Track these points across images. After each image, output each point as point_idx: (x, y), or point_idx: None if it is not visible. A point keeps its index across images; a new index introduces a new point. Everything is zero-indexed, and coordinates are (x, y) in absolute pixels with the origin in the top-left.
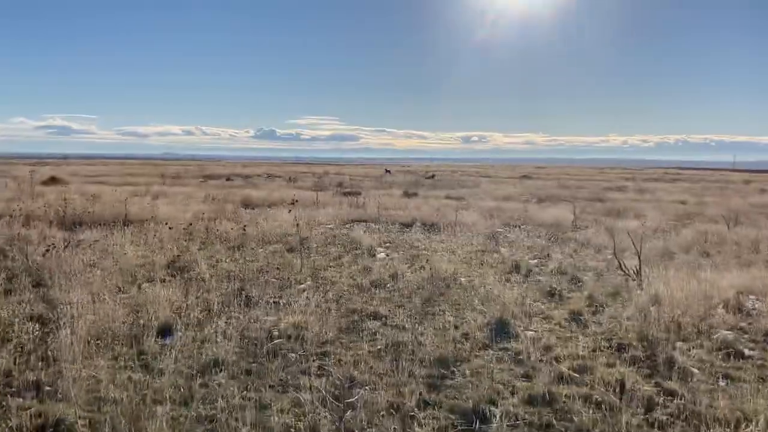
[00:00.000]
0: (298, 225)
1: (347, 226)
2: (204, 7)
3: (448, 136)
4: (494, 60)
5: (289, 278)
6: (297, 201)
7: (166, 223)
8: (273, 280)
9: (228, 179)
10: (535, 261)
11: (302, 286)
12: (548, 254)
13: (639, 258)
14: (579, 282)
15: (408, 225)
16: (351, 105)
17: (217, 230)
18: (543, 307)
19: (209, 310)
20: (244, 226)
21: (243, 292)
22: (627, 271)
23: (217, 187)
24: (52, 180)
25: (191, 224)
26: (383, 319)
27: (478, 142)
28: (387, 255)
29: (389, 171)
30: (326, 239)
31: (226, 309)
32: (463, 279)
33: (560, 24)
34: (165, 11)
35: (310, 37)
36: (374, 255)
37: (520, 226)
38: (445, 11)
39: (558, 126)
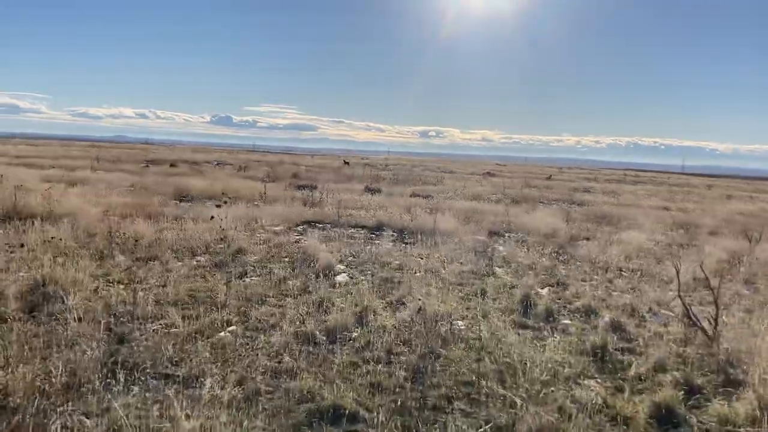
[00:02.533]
0: (223, 238)
1: (299, 229)
2: None
3: (406, 130)
4: (454, 57)
5: (204, 319)
6: (229, 199)
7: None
8: (176, 327)
9: (172, 165)
10: (548, 291)
11: (222, 334)
12: (561, 280)
13: (716, 302)
14: (625, 332)
15: (374, 230)
16: (310, 95)
17: (125, 234)
18: (601, 390)
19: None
20: (162, 228)
21: (119, 354)
22: (697, 322)
23: (155, 174)
24: None
25: (97, 223)
26: (347, 421)
27: (435, 137)
28: (351, 278)
29: (348, 162)
30: (269, 250)
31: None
32: (461, 324)
33: (519, 24)
34: None
35: (271, 24)
36: (333, 277)
37: (507, 235)
38: (409, 6)
39: (514, 124)
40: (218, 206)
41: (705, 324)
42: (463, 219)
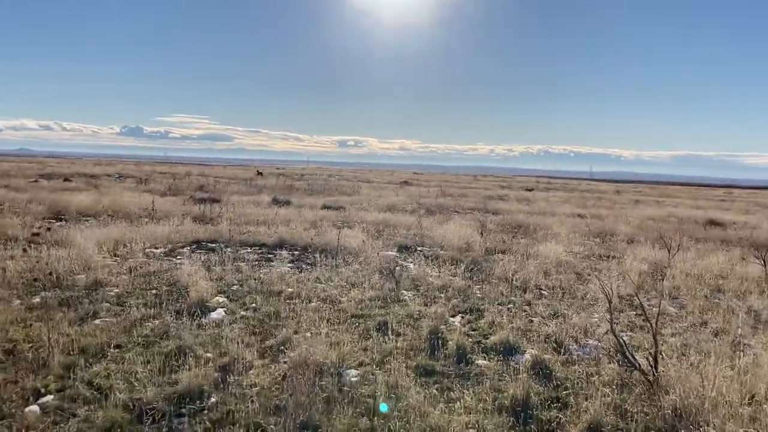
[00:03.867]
0: (85, 267)
1: (185, 250)
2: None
3: (325, 139)
4: (371, 67)
5: (8, 387)
6: (111, 217)
7: None
8: None
9: (66, 180)
10: (461, 320)
11: (29, 409)
12: (475, 305)
13: (654, 338)
14: (550, 376)
15: (274, 249)
16: (225, 104)
17: None
18: None
19: None
20: (11, 256)
21: None
22: (635, 362)
23: (42, 189)
24: None
25: None
26: None
27: (354, 147)
28: (228, 314)
29: (261, 173)
30: (135, 279)
31: None
32: (354, 374)
33: (433, 37)
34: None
35: (182, 33)
36: (206, 315)
37: (419, 250)
38: (325, 15)
39: (430, 134)
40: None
41: (642, 361)
42: (374, 232)
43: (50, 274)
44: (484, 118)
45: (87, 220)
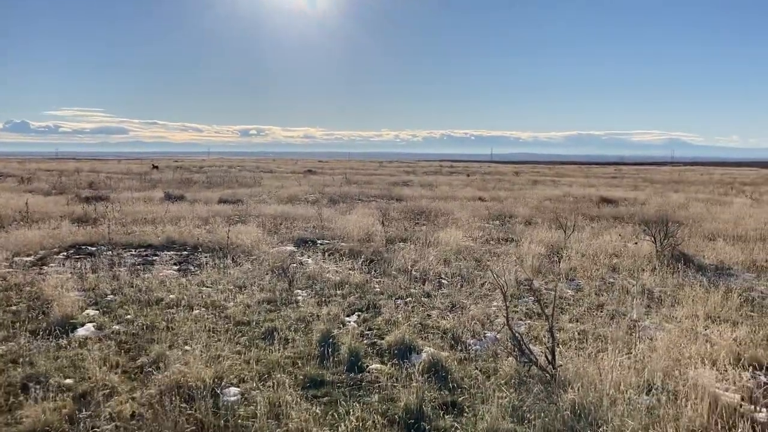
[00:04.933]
0: None
1: (60, 257)
2: None
3: (226, 129)
4: (270, 55)
5: None
6: None
7: None
8: None
9: None
10: (356, 320)
11: None
12: (373, 302)
13: (551, 332)
14: (447, 378)
15: (160, 250)
16: (117, 96)
17: None
18: None
19: None
20: None
21: None
22: (532, 357)
23: None
24: None
25: None
26: None
27: (256, 136)
28: (98, 329)
29: (157, 167)
30: None
31: None
32: (234, 393)
33: (336, 23)
34: None
35: (69, 21)
36: (71, 332)
37: (319, 243)
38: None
39: (335, 121)
40: None
41: (540, 357)
42: (271, 227)
43: None
44: (389, 105)
45: None
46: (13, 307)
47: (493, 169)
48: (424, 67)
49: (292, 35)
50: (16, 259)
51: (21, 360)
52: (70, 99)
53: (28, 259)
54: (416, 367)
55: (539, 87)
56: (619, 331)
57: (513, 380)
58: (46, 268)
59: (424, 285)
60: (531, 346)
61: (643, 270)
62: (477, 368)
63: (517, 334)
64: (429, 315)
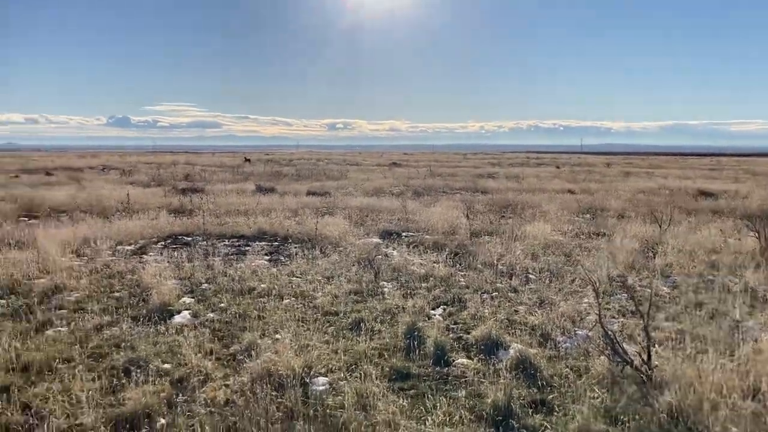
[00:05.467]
0: (42, 270)
1: (159, 246)
2: None
3: (314, 123)
4: (358, 48)
5: None
6: (85, 213)
7: None
8: None
9: (48, 174)
10: (442, 313)
11: None
12: (458, 295)
13: (647, 332)
14: (536, 375)
15: (252, 241)
16: (212, 91)
17: None
18: None
19: None
20: None
21: None
22: (626, 358)
23: (21, 184)
24: None
25: None
26: None
27: (343, 129)
28: (194, 317)
29: (249, 160)
30: (98, 283)
31: None
32: (323, 383)
33: (422, 13)
34: None
35: (167, 20)
36: (168, 319)
37: (404, 235)
38: None
39: (420, 113)
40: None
41: (634, 357)
42: (357, 219)
43: (12, 276)
44: (475, 96)
45: (60, 217)
46: (116, 294)
47: (582, 160)
48: (511, 56)
49: (377, 29)
50: (118, 247)
51: (123, 344)
52: (167, 95)
53: (129, 248)
54: (503, 363)
55: (633, 75)
56: (720, 332)
57: (605, 380)
58: (145, 256)
59: (510, 280)
60: (625, 345)
61: (746, 267)
62: (567, 366)
63: (610, 333)
64: (516, 310)
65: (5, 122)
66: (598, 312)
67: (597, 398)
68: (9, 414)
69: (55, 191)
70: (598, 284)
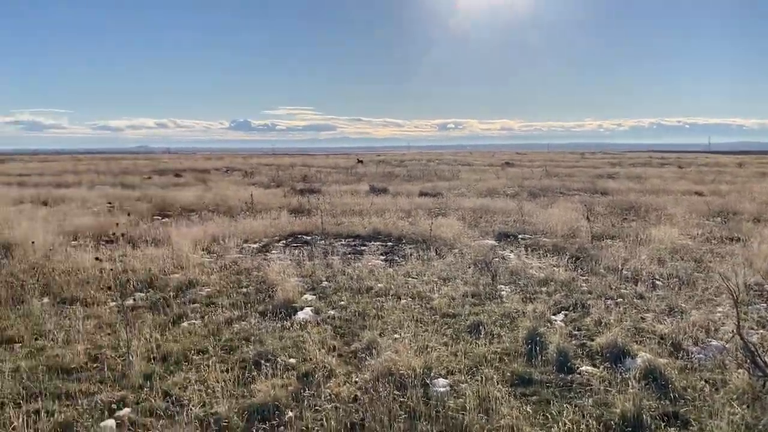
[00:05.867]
0: (177, 266)
1: (280, 245)
2: (173, 6)
3: (425, 124)
4: (469, 47)
5: (82, 402)
6: (212, 212)
7: None
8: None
9: (177, 175)
10: (563, 319)
11: (105, 424)
12: (580, 301)
13: None
14: (666, 386)
15: (367, 241)
16: (326, 94)
17: (53, 270)
18: None
19: None
20: (109, 258)
21: None
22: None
23: (153, 185)
24: None
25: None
26: None
27: (454, 129)
28: (315, 314)
29: (361, 161)
30: (227, 279)
31: None
32: (443, 384)
33: (534, 9)
34: (134, 9)
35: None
36: (292, 315)
37: (520, 238)
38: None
39: (534, 112)
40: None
41: None
42: (471, 220)
43: (149, 271)
44: (591, 93)
45: (190, 216)
46: (244, 289)
47: (711, 160)
48: (630, 49)
49: (487, 26)
50: (244, 245)
51: (252, 338)
52: (284, 99)
53: (254, 245)
54: (631, 372)
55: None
56: None
57: (746, 395)
58: (269, 254)
59: (636, 286)
60: (767, 358)
61: None
62: (701, 379)
63: (750, 344)
64: (643, 318)
65: (139, 126)
66: (736, 322)
67: (737, 414)
68: (153, 400)
69: (184, 191)
70: (737, 292)
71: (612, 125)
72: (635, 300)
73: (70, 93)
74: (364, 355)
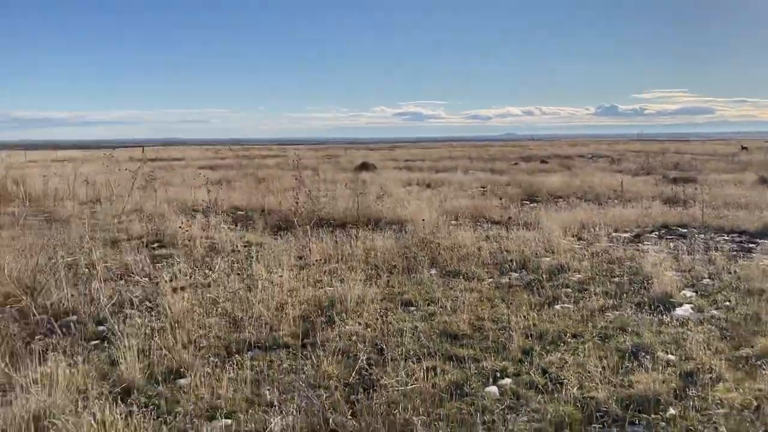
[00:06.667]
0: (547, 250)
1: (653, 236)
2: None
3: None
4: None
5: (470, 365)
6: (580, 198)
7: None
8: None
9: (543, 161)
10: None
11: (488, 390)
12: None
13: None
14: None
15: (753, 237)
16: (703, 74)
17: (438, 245)
18: None
19: None
20: (487, 237)
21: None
22: None
23: (519, 171)
24: (363, 166)
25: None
26: None
27: None
28: (696, 311)
29: (746, 147)
30: (597, 266)
31: None
32: None
33: None
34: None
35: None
36: (670, 310)
37: None
38: None
39: None
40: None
41: None
42: None
43: (522, 252)
44: None
45: (557, 202)
46: (616, 279)
47: None
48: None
49: None
50: (614, 234)
51: (628, 329)
52: (655, 81)
53: (624, 235)
54: None
55: None
56: None
57: None
58: (641, 245)
59: None
60: None
61: None
62: None
63: None
64: None
65: (506, 115)
66: None
67: None
68: (532, 375)
69: (550, 177)
70: None
71: None
72: None
73: (446, 86)
74: (759, 362)
